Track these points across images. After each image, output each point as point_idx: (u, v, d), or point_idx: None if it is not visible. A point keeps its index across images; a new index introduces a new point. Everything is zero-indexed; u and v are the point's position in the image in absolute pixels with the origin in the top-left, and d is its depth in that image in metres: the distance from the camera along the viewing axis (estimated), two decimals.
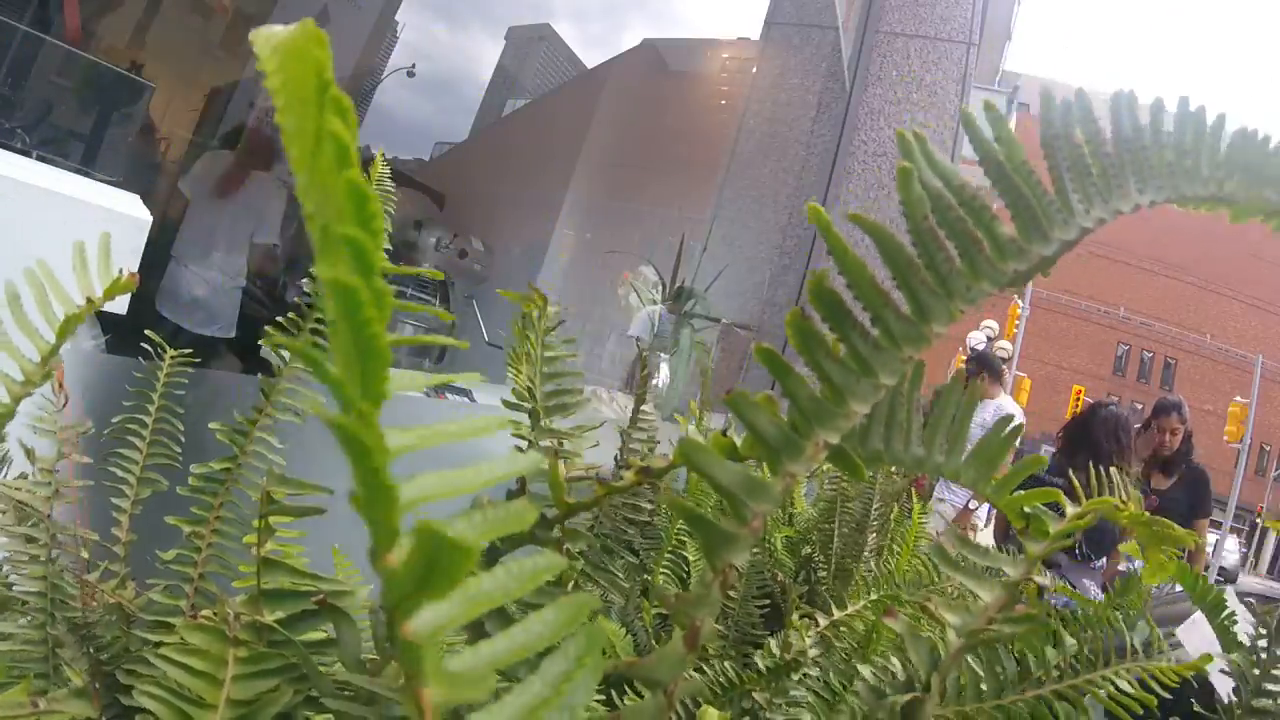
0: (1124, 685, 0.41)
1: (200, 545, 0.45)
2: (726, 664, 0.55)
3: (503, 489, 0.38)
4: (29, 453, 0.46)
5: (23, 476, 0.46)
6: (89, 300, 0.37)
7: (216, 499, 0.46)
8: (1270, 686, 0.49)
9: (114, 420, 0.50)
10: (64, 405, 0.47)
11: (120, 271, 0.38)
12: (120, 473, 0.49)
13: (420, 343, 0.19)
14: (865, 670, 0.39)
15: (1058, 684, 0.41)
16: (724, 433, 0.28)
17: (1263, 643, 0.51)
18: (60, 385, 0.47)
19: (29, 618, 0.43)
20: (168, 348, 0.52)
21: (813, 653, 0.53)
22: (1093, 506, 0.36)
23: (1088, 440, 2.75)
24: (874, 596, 0.67)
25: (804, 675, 0.54)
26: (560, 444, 0.43)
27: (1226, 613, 0.56)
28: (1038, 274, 0.24)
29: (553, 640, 0.15)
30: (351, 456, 0.13)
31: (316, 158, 0.14)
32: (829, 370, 0.23)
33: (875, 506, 0.99)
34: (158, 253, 2.65)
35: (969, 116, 0.23)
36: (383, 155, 0.56)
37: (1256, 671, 0.50)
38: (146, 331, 0.52)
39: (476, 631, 0.31)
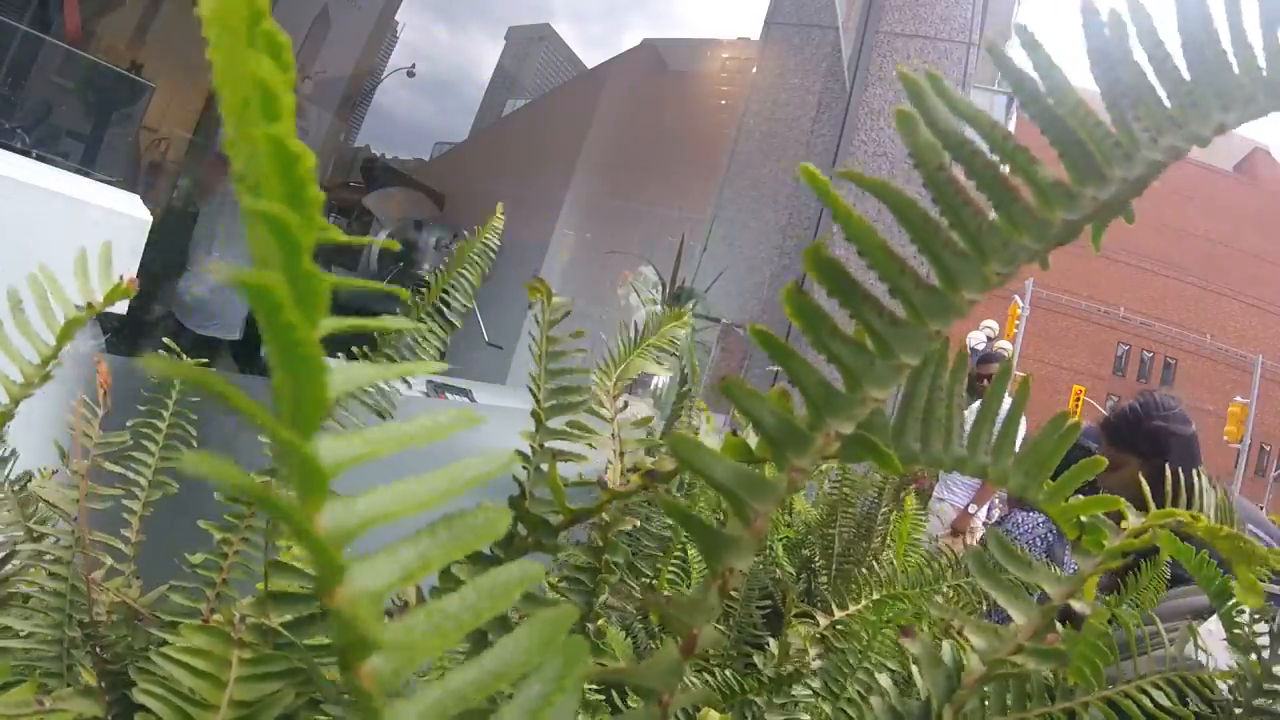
0: (1160, 698, 0.39)
1: (228, 551, 0.45)
2: (728, 671, 0.55)
3: (496, 489, 0.38)
4: (64, 455, 0.47)
5: (27, 474, 0.46)
6: (89, 305, 0.37)
7: (249, 507, 0.46)
8: (1271, 686, 0.49)
9: (128, 424, 0.50)
10: (108, 411, 0.48)
11: (120, 278, 0.38)
12: (132, 474, 0.49)
13: (362, 328, 0.17)
14: (884, 680, 0.36)
15: (1086, 696, 0.39)
16: (734, 432, 0.26)
17: (1264, 641, 0.51)
18: (104, 392, 0.48)
19: (45, 616, 0.43)
20: (183, 354, 0.52)
21: (814, 658, 0.52)
22: (1161, 518, 0.32)
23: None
24: (876, 596, 0.67)
25: (807, 684, 0.54)
26: (619, 451, 0.42)
27: (1233, 602, 0.55)
28: (1105, 221, 0.19)
29: (528, 664, 0.14)
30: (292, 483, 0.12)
31: (248, 108, 0.11)
32: (839, 352, 0.20)
33: (882, 511, 0.98)
34: (162, 254, 2.65)
35: (994, 44, 0.19)
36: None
37: (1258, 670, 0.49)
38: (165, 340, 0.52)
39: (479, 641, 0.31)
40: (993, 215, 0.20)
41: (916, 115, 0.19)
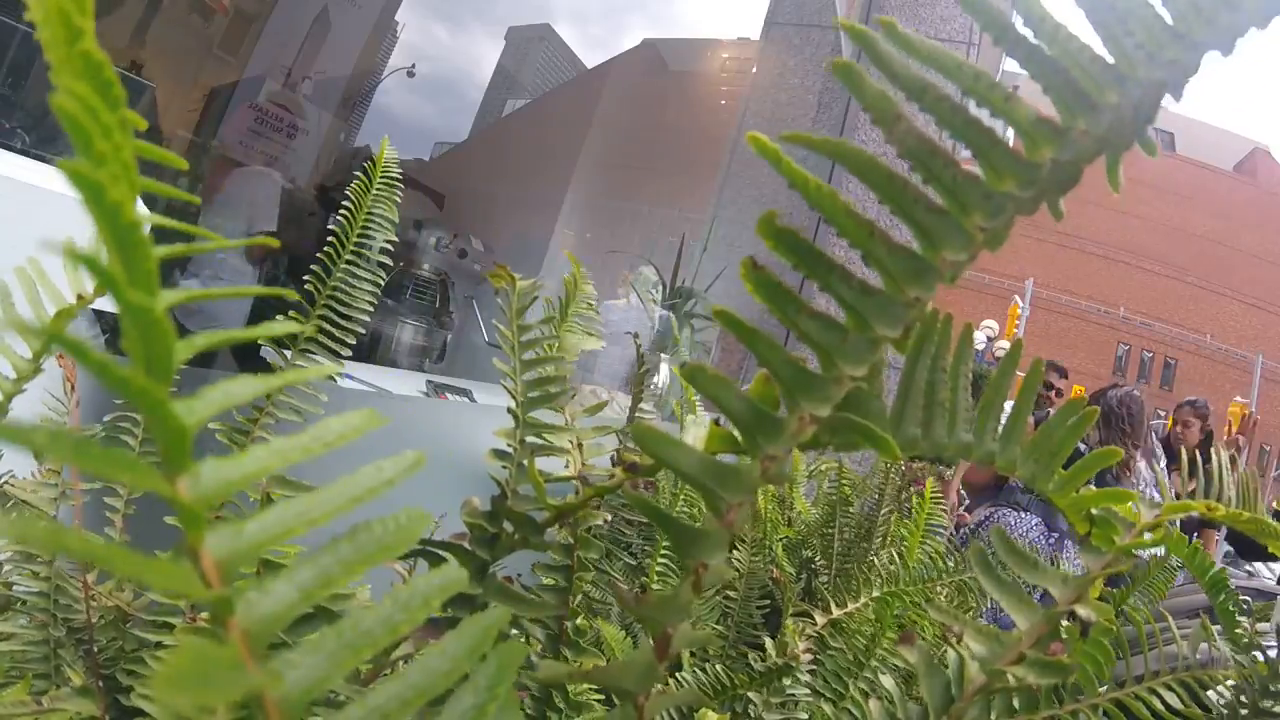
0: (1172, 700, 0.38)
1: None
2: (719, 667, 0.55)
3: (488, 489, 0.38)
4: (37, 453, 0.46)
5: (11, 474, 0.46)
6: (80, 297, 0.37)
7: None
8: (1278, 686, 0.49)
9: (105, 419, 0.50)
10: (75, 405, 0.47)
11: None
12: None
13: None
14: (887, 682, 0.36)
15: (1095, 699, 0.38)
16: (718, 422, 0.25)
17: (1269, 641, 0.50)
18: (73, 386, 0.47)
19: (30, 619, 0.43)
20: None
21: (806, 658, 0.52)
22: (1176, 510, 0.31)
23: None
24: (875, 594, 0.67)
25: (795, 679, 0.54)
26: (575, 442, 0.41)
27: (1229, 594, 0.55)
28: (1110, 155, 0.17)
29: (455, 675, 0.13)
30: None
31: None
32: (807, 328, 0.19)
33: (883, 511, 0.98)
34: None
35: None
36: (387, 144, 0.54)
37: (1264, 670, 0.49)
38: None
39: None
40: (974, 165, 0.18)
41: (859, 67, 0.17)
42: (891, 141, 0.18)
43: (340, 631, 0.13)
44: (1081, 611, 0.30)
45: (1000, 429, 0.27)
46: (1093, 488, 0.29)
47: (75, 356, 0.11)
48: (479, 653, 0.13)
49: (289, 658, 0.12)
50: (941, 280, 0.18)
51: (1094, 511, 0.29)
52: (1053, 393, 3.33)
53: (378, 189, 0.52)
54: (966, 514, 2.57)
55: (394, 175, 0.53)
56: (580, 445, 0.39)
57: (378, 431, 0.15)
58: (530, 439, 0.39)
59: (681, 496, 0.85)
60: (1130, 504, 0.30)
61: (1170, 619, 0.53)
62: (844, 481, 0.99)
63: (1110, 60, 0.17)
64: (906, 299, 0.18)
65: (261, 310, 2.94)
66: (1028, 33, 0.17)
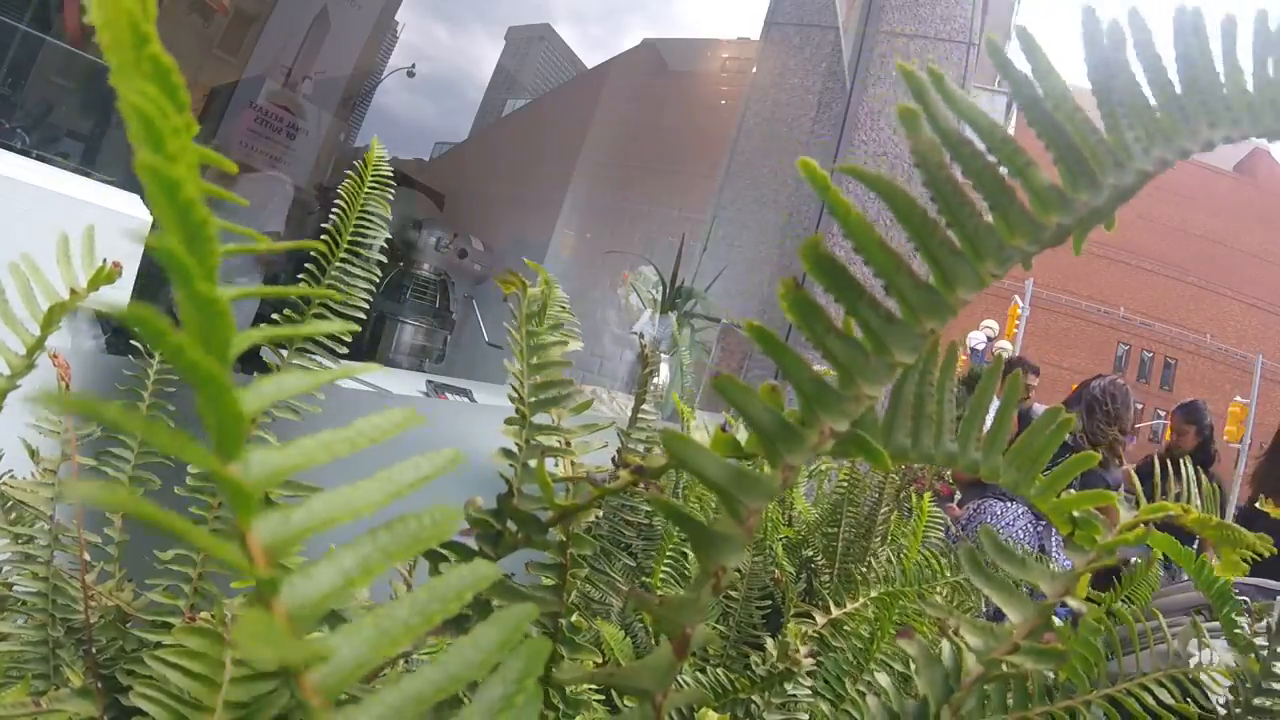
0: (1164, 696, 0.39)
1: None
2: (720, 671, 0.55)
3: (495, 488, 0.38)
4: (33, 453, 0.46)
5: (11, 474, 0.46)
6: (73, 292, 0.37)
7: (215, 499, 0.46)
8: (1270, 685, 0.49)
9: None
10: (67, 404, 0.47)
11: (104, 262, 0.38)
12: (112, 472, 0.49)
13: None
14: (883, 679, 0.36)
15: (1089, 695, 0.39)
16: (724, 428, 0.26)
17: (1262, 640, 0.51)
18: (66, 386, 0.47)
19: (28, 619, 0.43)
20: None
21: (808, 663, 0.52)
22: (1153, 512, 0.32)
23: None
24: (874, 594, 0.67)
25: (797, 681, 0.54)
26: (563, 442, 0.41)
27: (1233, 604, 0.56)
28: (1088, 227, 0.20)
29: (487, 665, 0.14)
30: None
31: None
32: (834, 348, 0.20)
33: (883, 511, 0.98)
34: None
35: (995, 45, 0.20)
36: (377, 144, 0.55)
37: (1257, 669, 0.49)
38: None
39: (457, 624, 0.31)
40: (988, 216, 0.20)
41: (919, 112, 0.19)
42: (931, 184, 0.20)
43: (379, 619, 0.13)
44: (1072, 603, 0.31)
45: (983, 438, 0.28)
46: (1074, 491, 0.30)
47: (149, 332, 0.11)
48: (511, 644, 0.14)
49: (331, 642, 0.13)
50: (951, 314, 0.20)
51: (1075, 513, 0.30)
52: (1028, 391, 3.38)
53: (369, 188, 0.52)
54: (956, 507, 2.59)
55: (386, 175, 0.53)
56: (569, 443, 0.39)
57: None
58: (536, 440, 0.39)
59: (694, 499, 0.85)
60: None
61: (1161, 617, 0.53)
62: (852, 480, 0.99)
63: (1112, 147, 0.20)
64: (923, 329, 0.20)
65: (264, 312, 2.94)
66: (1049, 108, 0.20)
